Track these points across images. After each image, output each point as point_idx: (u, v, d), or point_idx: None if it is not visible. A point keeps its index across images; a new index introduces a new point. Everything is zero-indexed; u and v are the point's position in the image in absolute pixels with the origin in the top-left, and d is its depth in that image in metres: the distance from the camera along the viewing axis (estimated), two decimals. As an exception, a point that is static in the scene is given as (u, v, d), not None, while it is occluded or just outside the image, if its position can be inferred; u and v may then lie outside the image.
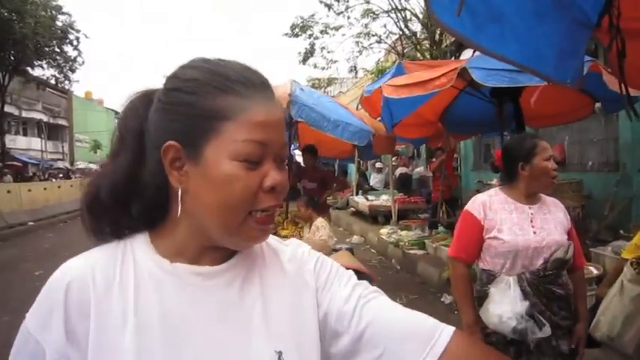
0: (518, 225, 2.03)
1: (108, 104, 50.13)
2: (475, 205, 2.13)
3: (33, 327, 0.68)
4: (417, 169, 13.23)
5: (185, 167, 0.70)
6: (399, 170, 13.28)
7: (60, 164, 33.35)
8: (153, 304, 0.70)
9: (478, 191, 8.70)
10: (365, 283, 0.82)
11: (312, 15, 15.08)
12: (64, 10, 22.04)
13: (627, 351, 2.24)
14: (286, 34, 15.50)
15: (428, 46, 13.38)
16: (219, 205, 0.69)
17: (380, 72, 12.38)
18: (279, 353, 0.71)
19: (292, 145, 7.13)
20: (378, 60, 16.93)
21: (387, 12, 13.90)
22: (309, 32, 15.22)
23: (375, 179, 14.76)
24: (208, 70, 0.72)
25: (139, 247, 0.74)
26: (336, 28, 14.89)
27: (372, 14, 14.29)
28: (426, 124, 5.85)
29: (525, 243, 1.99)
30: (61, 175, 26.89)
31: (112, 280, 0.70)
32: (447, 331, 0.75)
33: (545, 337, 1.97)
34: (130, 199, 0.74)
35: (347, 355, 0.76)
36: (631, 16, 1.58)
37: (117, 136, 0.77)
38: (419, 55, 13.37)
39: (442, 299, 5.26)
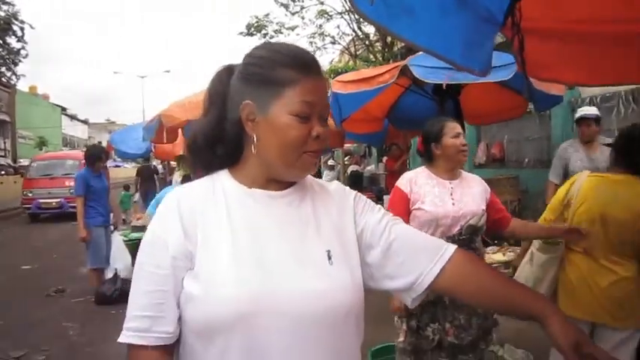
0: (439, 197, 2.32)
1: (54, 100, 48.26)
2: (403, 181, 2.42)
3: (156, 230, 0.97)
4: (369, 167, 13.63)
5: (256, 119, 0.98)
6: (351, 168, 13.63)
7: (2, 161, 31.86)
8: (239, 214, 0.99)
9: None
10: (390, 213, 1.16)
11: (267, 14, 15.25)
12: (6, -1, 21.18)
13: None
14: (241, 33, 15.59)
15: (380, 48, 13.81)
16: (281, 147, 0.97)
17: (333, 72, 12.68)
18: (328, 251, 1.00)
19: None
20: (332, 60, 17.27)
21: (340, 13, 14.26)
22: (263, 32, 15.37)
23: (327, 176, 15.00)
24: (272, 50, 1.02)
25: (224, 178, 1.04)
26: (291, 28, 15.12)
27: (326, 15, 14.60)
28: (373, 120, 6.13)
29: (444, 213, 2.28)
30: (2, 172, 25.72)
31: (209, 198, 1.00)
32: (452, 247, 1.08)
33: None
34: (216, 143, 1.04)
35: (378, 263, 1.07)
36: (529, 17, 1.86)
37: (207, 98, 1.07)
38: (371, 56, 13.78)
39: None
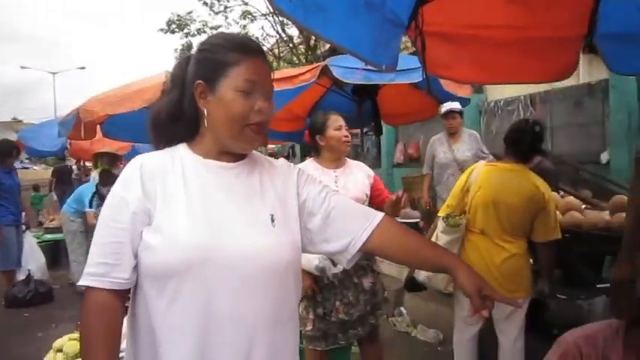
0: None
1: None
2: None
3: (119, 190, 1.11)
4: (293, 168, 13.75)
5: (208, 97, 1.14)
6: (276, 168, 13.70)
7: None
8: (194, 181, 1.13)
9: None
10: (329, 186, 1.35)
11: (190, 12, 14.97)
12: None
13: (440, 287, 2.84)
14: (162, 30, 15.19)
15: (303, 50, 14.01)
16: (227, 120, 1.12)
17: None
18: (272, 215, 1.16)
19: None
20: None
21: (264, 15, 14.29)
22: (186, 30, 15.08)
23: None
24: (222, 38, 1.19)
25: (182, 150, 1.19)
26: (215, 28, 14.92)
27: (250, 16, 14.57)
28: (296, 119, 6.27)
29: None
30: None
31: (169, 166, 1.14)
32: (380, 215, 1.26)
33: (346, 274, 2.55)
34: (177, 119, 1.19)
35: (318, 229, 1.24)
36: (431, 21, 2.09)
37: (170, 82, 1.24)
38: (295, 59, 13.94)
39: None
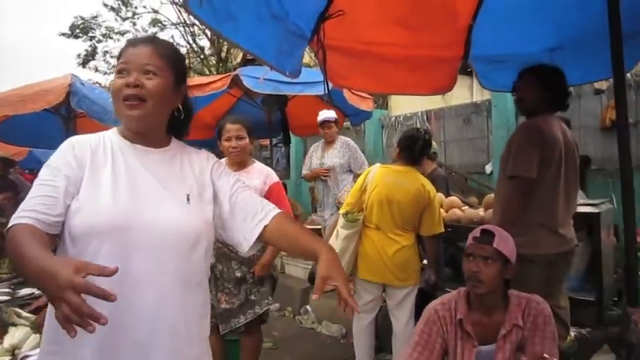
0: None
1: None
2: None
3: (53, 160, 1.23)
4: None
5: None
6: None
7: None
8: (120, 160, 1.27)
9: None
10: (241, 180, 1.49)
11: (95, 17, 14.41)
12: None
13: None
14: (64, 35, 14.46)
15: (215, 62, 13.99)
16: (112, 99, 1.28)
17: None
18: (188, 195, 1.31)
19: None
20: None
21: (175, 25, 14.12)
22: (90, 34, 14.48)
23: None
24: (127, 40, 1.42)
25: (112, 134, 1.34)
26: (122, 34, 14.47)
27: (160, 24, 14.32)
28: (204, 127, 6.32)
29: None
30: None
31: (100, 145, 1.29)
32: (275, 212, 1.39)
33: (227, 267, 2.84)
34: None
35: (227, 218, 1.38)
36: (331, 36, 2.36)
37: None
38: (206, 70, 13.87)
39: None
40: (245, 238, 1.38)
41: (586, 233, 3.24)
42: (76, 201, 1.19)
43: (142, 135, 1.32)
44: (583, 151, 5.55)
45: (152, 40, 1.34)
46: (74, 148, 1.26)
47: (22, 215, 1.12)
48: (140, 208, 1.21)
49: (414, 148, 3.12)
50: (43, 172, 1.22)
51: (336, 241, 3.06)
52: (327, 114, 5.09)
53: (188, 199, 1.30)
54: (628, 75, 5.13)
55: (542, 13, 2.51)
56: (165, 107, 1.32)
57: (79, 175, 1.21)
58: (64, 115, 5.28)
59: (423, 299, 3.23)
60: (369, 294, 3.14)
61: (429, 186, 3.07)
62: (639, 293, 2.13)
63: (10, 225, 1.11)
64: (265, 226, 1.37)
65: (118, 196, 1.21)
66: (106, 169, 1.24)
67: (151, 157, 1.32)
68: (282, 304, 4.88)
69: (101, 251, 1.16)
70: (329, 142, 5.12)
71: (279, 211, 1.42)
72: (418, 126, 7.61)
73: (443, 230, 3.14)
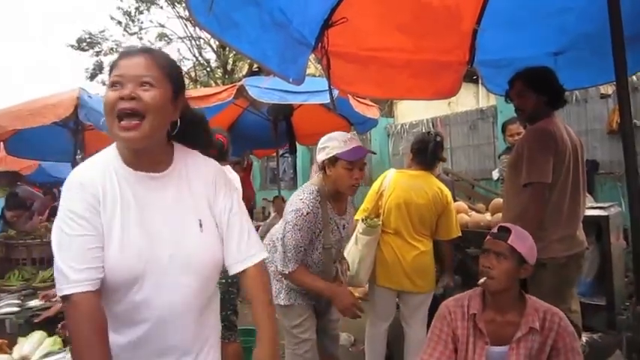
0: None
1: None
2: None
3: (76, 208, 1.17)
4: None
5: None
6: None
7: None
8: (129, 192, 1.23)
9: (264, 208, 9.55)
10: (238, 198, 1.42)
11: (103, 31, 14.60)
12: None
13: (363, 283, 3.10)
14: (72, 46, 14.65)
15: (221, 74, 14.10)
16: (104, 112, 1.19)
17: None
18: (200, 220, 1.29)
19: (78, 155, 6.93)
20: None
21: (181, 38, 14.27)
22: (97, 48, 14.67)
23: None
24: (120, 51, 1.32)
25: (114, 161, 1.25)
26: (128, 48, 14.62)
27: (166, 38, 14.48)
28: (213, 138, 6.40)
29: None
30: None
31: (106, 184, 1.21)
32: (256, 259, 1.35)
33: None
34: None
35: (222, 237, 1.34)
36: (335, 43, 2.37)
37: None
38: (212, 82, 13.97)
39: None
40: (229, 264, 1.37)
41: (595, 237, 3.21)
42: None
43: (143, 154, 1.26)
44: (591, 155, 5.58)
45: (147, 50, 1.27)
46: (84, 189, 1.20)
47: (82, 279, 1.12)
48: (154, 250, 1.22)
49: (426, 151, 3.12)
50: (69, 224, 1.17)
51: (355, 247, 3.04)
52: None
53: (201, 226, 1.29)
54: (634, 78, 5.14)
55: (546, 16, 2.52)
56: (164, 121, 1.24)
57: (100, 222, 1.19)
58: (73, 128, 5.31)
59: (436, 307, 3.21)
60: (386, 301, 3.11)
61: (446, 190, 3.08)
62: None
63: (75, 290, 1.12)
64: (243, 270, 1.35)
65: (130, 247, 1.19)
66: (116, 213, 1.20)
67: (157, 184, 1.27)
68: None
69: (127, 297, 1.20)
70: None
71: (257, 261, 1.37)
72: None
73: (460, 234, 3.13)
